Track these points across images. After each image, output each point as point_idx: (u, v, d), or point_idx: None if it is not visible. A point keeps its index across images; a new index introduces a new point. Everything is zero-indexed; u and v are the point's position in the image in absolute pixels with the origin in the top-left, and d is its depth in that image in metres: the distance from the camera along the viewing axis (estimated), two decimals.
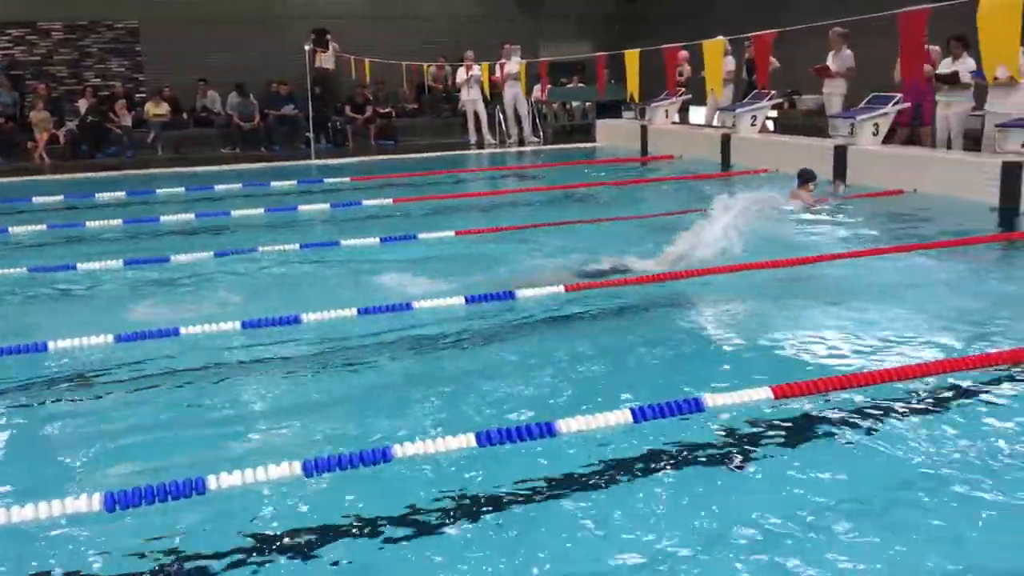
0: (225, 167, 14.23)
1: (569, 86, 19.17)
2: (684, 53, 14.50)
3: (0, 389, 4.42)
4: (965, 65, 9.71)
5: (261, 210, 9.49)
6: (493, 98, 17.20)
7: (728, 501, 3.13)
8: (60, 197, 10.79)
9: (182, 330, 5.05)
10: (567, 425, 3.49)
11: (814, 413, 3.80)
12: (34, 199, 10.62)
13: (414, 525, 3.04)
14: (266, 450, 3.64)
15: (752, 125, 12.58)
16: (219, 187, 11.28)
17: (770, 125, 13.87)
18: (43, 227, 8.84)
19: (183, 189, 11.32)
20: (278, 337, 5.10)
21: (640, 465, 3.42)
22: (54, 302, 6.31)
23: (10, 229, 8.68)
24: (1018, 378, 4.13)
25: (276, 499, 3.21)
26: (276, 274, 6.91)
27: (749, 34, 11.67)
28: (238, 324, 5.15)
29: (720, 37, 12.43)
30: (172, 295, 6.31)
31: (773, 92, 12.96)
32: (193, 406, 4.22)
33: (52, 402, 4.29)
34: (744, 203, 6.68)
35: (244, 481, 3.17)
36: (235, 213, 9.43)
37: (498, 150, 16.31)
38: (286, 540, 2.96)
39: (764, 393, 3.77)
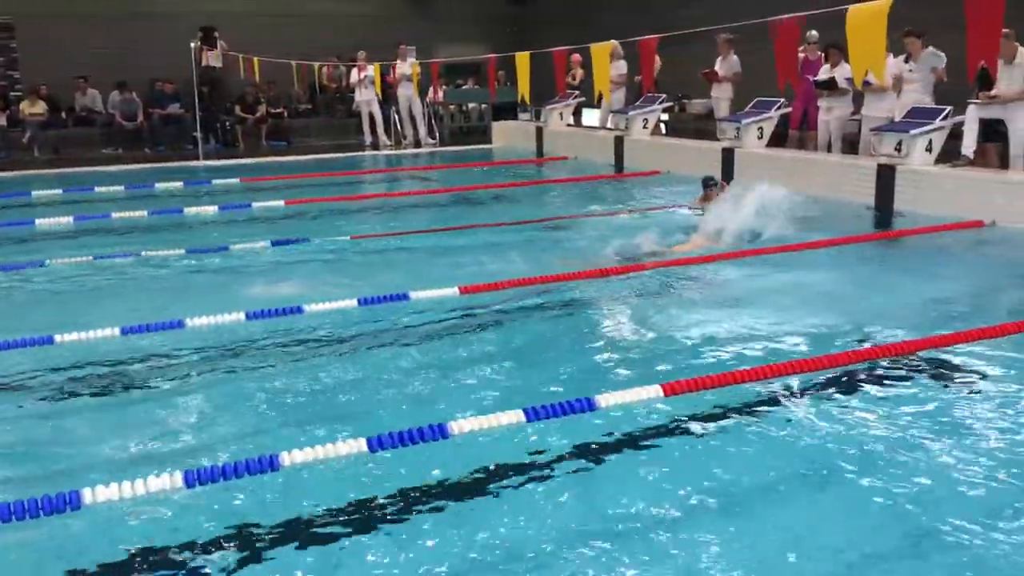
0: (107, 168, 13.66)
1: (465, 87, 19.17)
2: (577, 56, 14.68)
3: None
4: (842, 72, 10.13)
5: (144, 212, 9.13)
6: (388, 99, 17.04)
7: (613, 497, 3.16)
8: None
9: (57, 338, 4.80)
10: (460, 427, 3.46)
11: (703, 410, 3.88)
12: None
13: (301, 533, 2.96)
14: (150, 459, 3.49)
15: (644, 128, 12.83)
16: (100, 189, 10.80)
17: (662, 128, 14.18)
18: None
19: (61, 191, 10.80)
20: (162, 343, 4.92)
21: (532, 464, 3.42)
22: None
23: None
24: (895, 371, 4.32)
25: (159, 510, 3.08)
26: (160, 279, 6.66)
27: (635, 38, 11.89)
28: (117, 331, 4.93)
29: (611, 41, 12.63)
30: (49, 301, 6.00)
31: (664, 95, 13.26)
32: (72, 416, 4.02)
33: None
34: (758, 195, 7.31)
35: (121, 495, 3.03)
36: (116, 215, 9.04)
37: (393, 151, 16.17)
38: (173, 554, 2.85)
39: (655, 391, 3.83)
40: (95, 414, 4.09)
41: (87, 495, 2.99)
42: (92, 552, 2.90)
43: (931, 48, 9.30)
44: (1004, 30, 7.48)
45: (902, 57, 9.45)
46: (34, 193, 10.67)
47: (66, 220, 8.82)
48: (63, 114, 16.73)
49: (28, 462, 3.61)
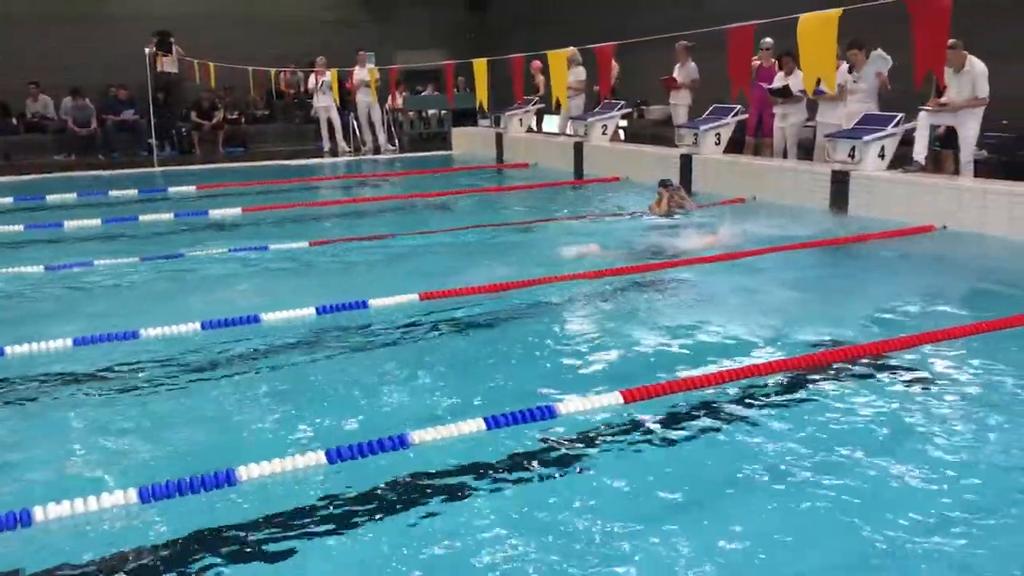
0: (59, 175, 13.41)
1: (424, 94, 19.13)
2: (537, 63, 14.74)
3: None
4: (796, 79, 10.27)
5: (98, 221, 8.97)
6: (347, 105, 16.95)
7: (574, 505, 3.16)
8: None
9: (8, 350, 4.70)
10: (420, 436, 3.45)
11: (661, 415, 3.91)
12: None
13: (259, 547, 2.92)
14: (102, 475, 3.42)
15: (603, 134, 12.90)
16: (51, 197, 10.60)
17: (621, 134, 14.27)
18: None
19: (11, 199, 10.57)
20: (114, 355, 4.83)
21: (492, 472, 3.41)
22: None
23: None
24: (850, 374, 4.38)
25: (114, 526, 3.02)
26: (114, 288, 6.54)
27: (592, 45, 11.96)
28: (70, 342, 4.84)
29: (569, 47, 12.69)
30: None
31: (623, 102, 13.34)
32: (20, 430, 3.93)
33: None
34: None
35: (74, 511, 2.97)
36: (69, 224, 8.88)
37: (353, 158, 16.07)
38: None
39: (614, 398, 3.84)
40: (34, 425, 4.00)
41: (38, 512, 2.94)
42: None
43: (878, 50, 9.47)
44: (951, 40, 7.65)
45: (846, 67, 9.60)
46: None
47: (16, 228, 8.64)
48: (14, 120, 16.39)
49: None
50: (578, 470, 3.43)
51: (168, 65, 16.72)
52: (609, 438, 3.70)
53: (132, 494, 3.06)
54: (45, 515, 2.95)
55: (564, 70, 12.16)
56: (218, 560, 2.83)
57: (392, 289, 5.78)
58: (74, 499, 3.01)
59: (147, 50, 14.85)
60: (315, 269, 7.19)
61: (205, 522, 3.05)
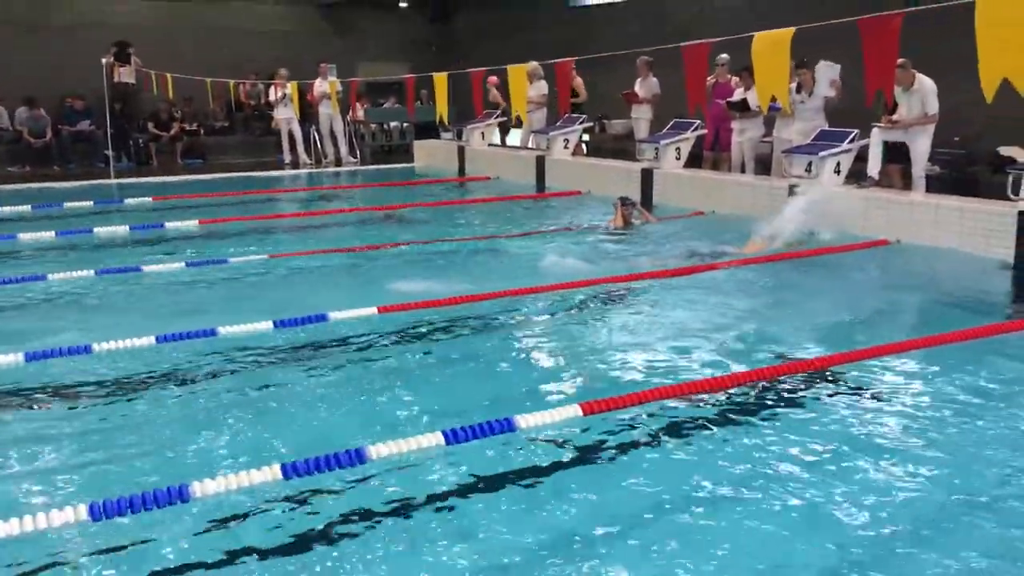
0: (13, 187, 13.15)
1: (386, 106, 19.10)
2: (493, 79, 14.81)
3: None
4: (753, 94, 10.42)
5: (52, 233, 8.82)
6: (308, 117, 16.85)
7: (535, 518, 3.16)
8: None
9: None
10: (377, 451, 3.42)
11: (618, 428, 3.92)
12: None
13: (217, 566, 2.88)
14: (56, 491, 3.36)
15: (565, 148, 12.96)
16: (4, 208, 10.39)
17: (584, 148, 14.35)
18: None
19: None
20: (69, 369, 4.75)
21: (452, 487, 3.41)
22: None
23: None
24: (804, 387, 4.44)
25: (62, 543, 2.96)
26: (68, 301, 6.43)
27: (552, 61, 12.03)
28: (21, 356, 4.74)
29: (530, 62, 12.75)
30: None
31: (584, 116, 13.43)
32: None
33: None
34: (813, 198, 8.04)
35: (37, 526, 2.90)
36: (23, 236, 8.72)
37: (314, 170, 15.98)
38: None
39: (574, 411, 3.85)
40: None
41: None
42: None
43: (821, 62, 9.65)
44: (900, 60, 7.81)
45: (794, 86, 9.74)
46: None
47: None
48: None
49: None
50: (538, 484, 3.43)
51: (125, 75, 16.49)
52: (570, 452, 3.71)
53: (83, 510, 3.00)
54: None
55: (524, 84, 12.21)
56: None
57: (351, 302, 5.75)
58: (22, 517, 2.95)
59: (104, 60, 14.65)
60: (274, 282, 7.13)
61: (163, 537, 3.00)
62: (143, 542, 3.01)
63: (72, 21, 17.61)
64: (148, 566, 2.88)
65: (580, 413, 3.85)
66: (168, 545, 2.99)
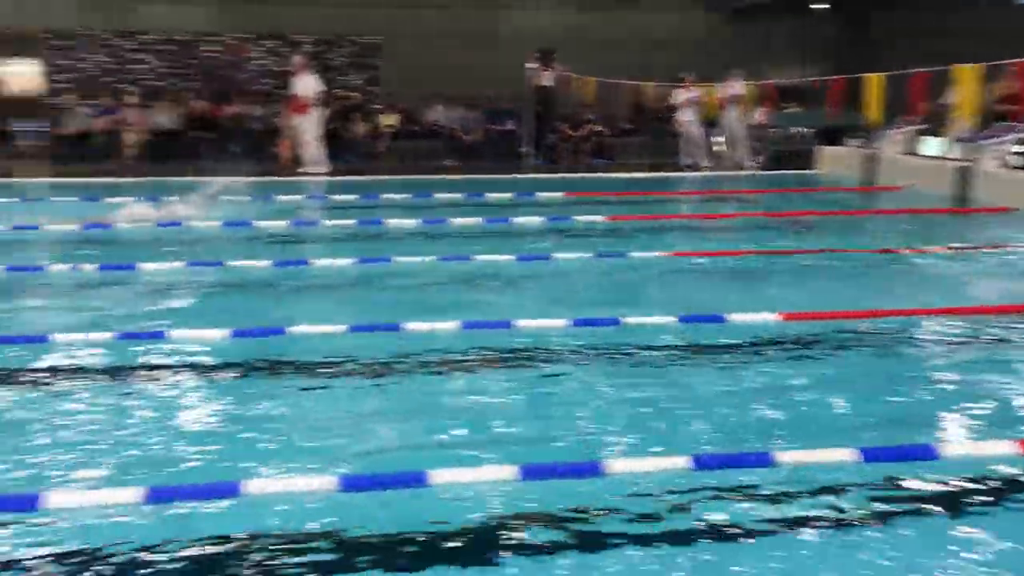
0: (447, 176, 14.82)
1: (790, 110, 18.56)
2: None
3: None
4: None
5: (480, 219, 9.84)
6: (711, 121, 16.95)
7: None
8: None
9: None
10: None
11: None
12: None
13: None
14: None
15: (996, 159, 11.64)
16: (443, 195, 11.80)
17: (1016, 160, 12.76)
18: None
19: (410, 195, 11.83)
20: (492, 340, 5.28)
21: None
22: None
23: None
24: None
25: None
26: (487, 281, 7.14)
27: (1008, 61, 10.82)
28: (459, 324, 5.37)
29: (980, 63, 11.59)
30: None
31: (1020, 124, 11.93)
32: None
33: None
34: None
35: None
36: (454, 221, 9.81)
37: (712, 173, 16.04)
38: None
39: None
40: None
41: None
42: None
43: None
44: None
45: None
46: (383, 196, 11.87)
47: (412, 223, 9.76)
48: (416, 127, 18.46)
49: None
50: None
51: (546, 80, 17.85)
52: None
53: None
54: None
55: (978, 88, 11.13)
56: None
57: (750, 306, 5.71)
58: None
59: (528, 65, 15.97)
60: (674, 279, 7.30)
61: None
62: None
63: (503, 31, 19.47)
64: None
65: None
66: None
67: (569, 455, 3.60)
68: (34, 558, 2.84)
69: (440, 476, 3.22)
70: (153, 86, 18.88)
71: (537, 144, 17.57)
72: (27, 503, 3.06)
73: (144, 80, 19.12)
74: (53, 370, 4.76)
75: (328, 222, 10.47)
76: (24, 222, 9.58)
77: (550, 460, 3.47)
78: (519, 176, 15.07)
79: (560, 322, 5.44)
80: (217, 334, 5.23)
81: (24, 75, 19.70)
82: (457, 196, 11.84)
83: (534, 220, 10.03)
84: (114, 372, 4.76)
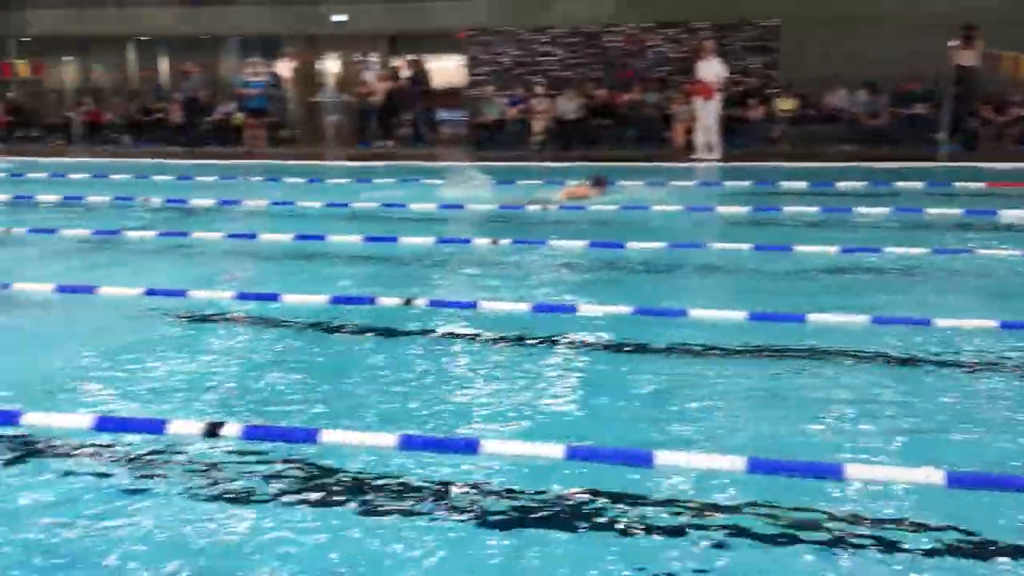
0: (844, 164, 14.07)
1: None
2: None
3: None
4: None
5: (887, 209, 9.29)
6: None
7: None
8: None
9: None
10: None
11: None
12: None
13: None
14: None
15: None
16: (843, 184, 11.27)
17: None
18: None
19: (806, 184, 11.44)
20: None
21: None
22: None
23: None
24: None
25: None
26: (902, 275, 6.75)
27: None
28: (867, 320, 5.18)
29: None
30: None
31: None
32: None
33: None
34: None
35: None
36: (858, 209, 9.38)
37: None
38: None
39: None
40: None
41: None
42: None
43: None
44: None
45: None
46: (783, 184, 11.61)
47: (812, 209, 9.48)
48: (813, 111, 17.73)
49: None
50: None
51: (967, 59, 16.15)
52: None
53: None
54: None
55: None
56: None
57: None
58: None
59: (950, 44, 14.58)
60: None
61: None
62: None
63: (907, 11, 17.85)
64: None
65: None
66: None
67: None
68: None
69: None
70: (559, 76, 20.10)
71: (954, 129, 15.97)
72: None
73: (551, 71, 20.43)
74: None
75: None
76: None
77: None
78: (932, 164, 13.86)
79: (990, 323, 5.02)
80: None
81: (448, 69, 22.21)
82: (860, 184, 11.24)
83: (950, 212, 9.22)
84: None
